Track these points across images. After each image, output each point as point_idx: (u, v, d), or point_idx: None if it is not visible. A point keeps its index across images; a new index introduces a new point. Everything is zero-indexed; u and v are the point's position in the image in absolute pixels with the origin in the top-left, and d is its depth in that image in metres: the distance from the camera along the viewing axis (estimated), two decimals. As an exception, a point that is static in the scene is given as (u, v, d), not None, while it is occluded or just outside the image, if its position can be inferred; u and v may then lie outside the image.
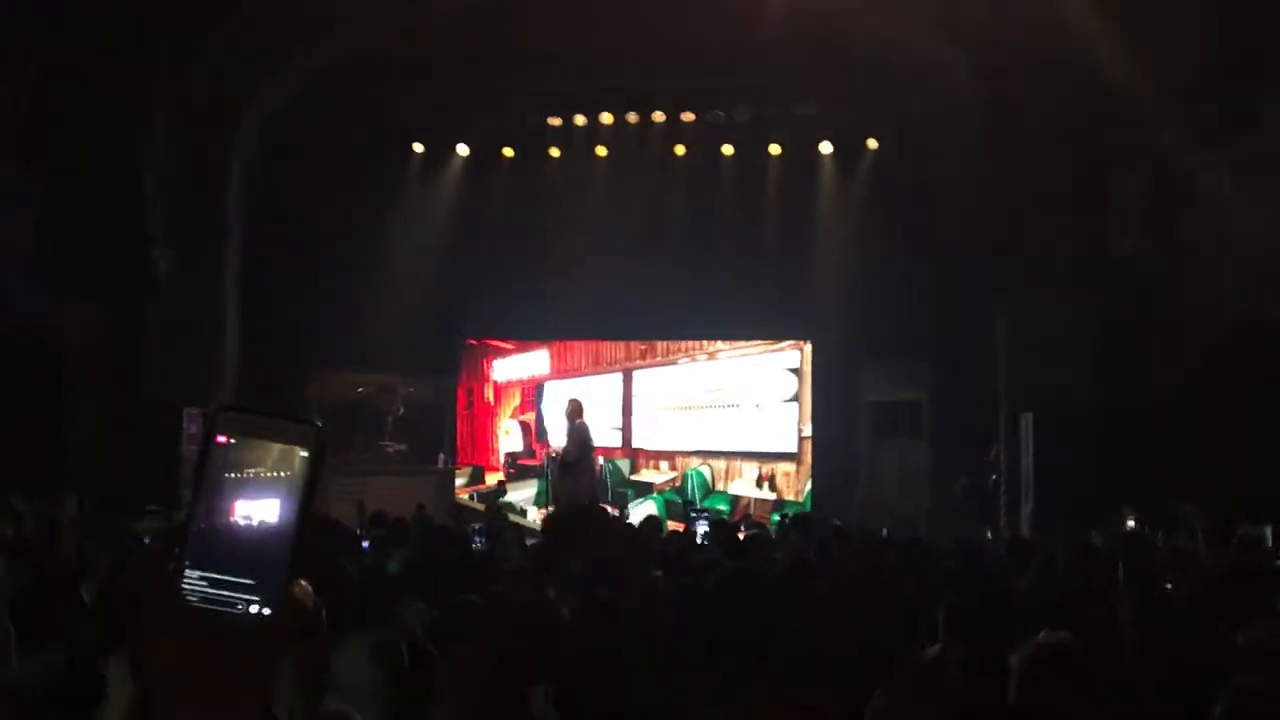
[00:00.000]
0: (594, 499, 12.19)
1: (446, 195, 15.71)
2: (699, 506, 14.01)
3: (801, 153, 15.19)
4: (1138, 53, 11.68)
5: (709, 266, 14.84)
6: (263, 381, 13.65)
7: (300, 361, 14.37)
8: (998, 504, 13.15)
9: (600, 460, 15.34)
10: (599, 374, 16.06)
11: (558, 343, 16.20)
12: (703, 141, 15.23)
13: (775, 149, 15.21)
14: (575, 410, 13.90)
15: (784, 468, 15.19)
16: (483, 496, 15.80)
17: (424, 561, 5.42)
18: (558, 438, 15.13)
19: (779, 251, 14.95)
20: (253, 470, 1.05)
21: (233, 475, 1.05)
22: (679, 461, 15.62)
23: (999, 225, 13.27)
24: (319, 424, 1.08)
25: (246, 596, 1.03)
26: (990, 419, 13.43)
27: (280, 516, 1.04)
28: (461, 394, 16.10)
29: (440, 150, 15.67)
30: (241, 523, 1.04)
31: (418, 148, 15.65)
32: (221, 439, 1.05)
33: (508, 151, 15.57)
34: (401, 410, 15.19)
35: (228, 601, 1.03)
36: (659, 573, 5.58)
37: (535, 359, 16.31)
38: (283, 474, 1.05)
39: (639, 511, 14.08)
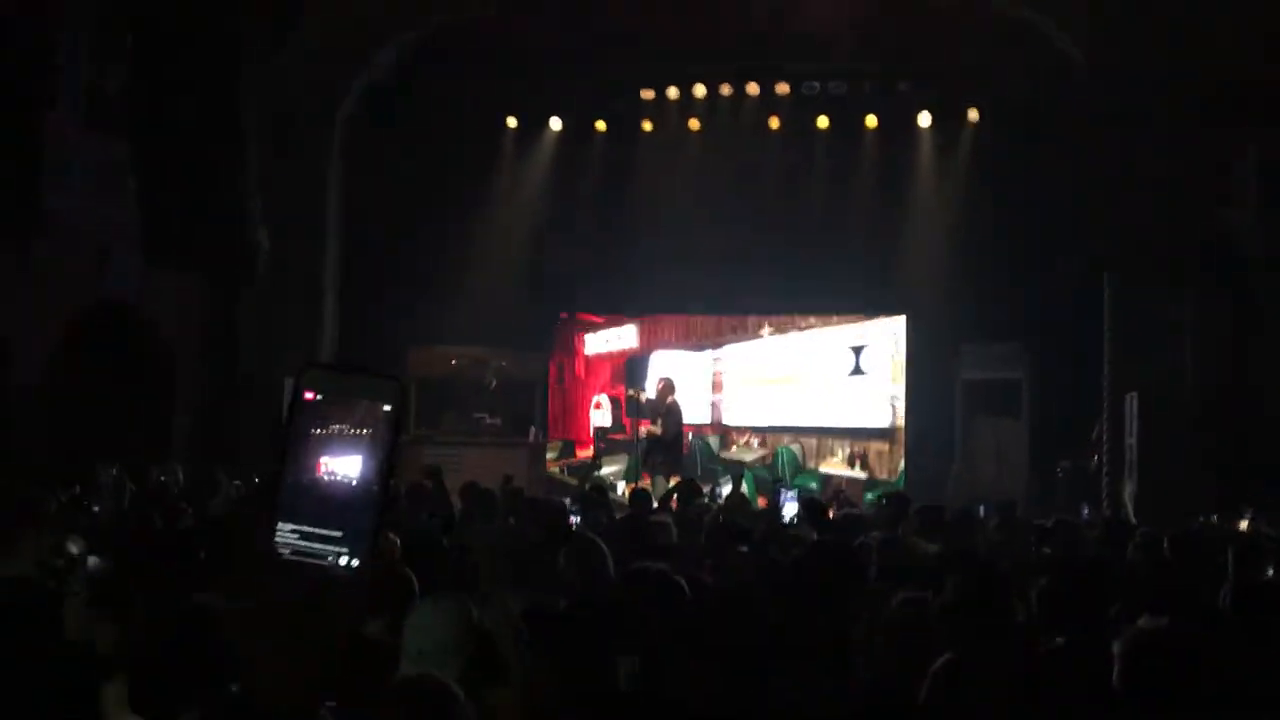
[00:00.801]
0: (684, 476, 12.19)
1: (540, 169, 15.78)
2: (788, 484, 13.93)
3: (899, 125, 14.90)
4: (1241, 28, 11.26)
5: (802, 240, 14.66)
6: (359, 354, 13.91)
7: (396, 335, 14.61)
8: (1099, 485, 12.89)
9: (690, 437, 15.33)
10: (689, 348, 16.03)
11: (648, 317, 16.19)
12: (797, 114, 15.03)
13: (871, 121, 14.95)
14: (667, 388, 13.90)
15: (876, 446, 15.01)
16: (574, 470, 15.92)
17: (511, 531, 5.49)
18: (651, 414, 15.16)
19: (875, 225, 14.70)
20: (338, 426, 1.07)
21: (319, 431, 1.07)
22: (770, 439, 15.53)
23: (1103, 201, 12.90)
24: (400, 378, 1.10)
25: (335, 549, 1.06)
26: (1091, 399, 13.12)
27: (363, 471, 1.07)
28: (553, 368, 16.20)
29: (534, 124, 15.74)
30: (327, 478, 1.07)
31: (511, 122, 15.74)
32: (309, 395, 1.08)
33: (601, 125, 15.57)
34: (494, 383, 15.34)
35: (318, 554, 1.06)
36: (744, 549, 5.56)
37: (625, 333, 16.33)
38: (366, 430, 1.08)
39: (727, 489, 14.04)
